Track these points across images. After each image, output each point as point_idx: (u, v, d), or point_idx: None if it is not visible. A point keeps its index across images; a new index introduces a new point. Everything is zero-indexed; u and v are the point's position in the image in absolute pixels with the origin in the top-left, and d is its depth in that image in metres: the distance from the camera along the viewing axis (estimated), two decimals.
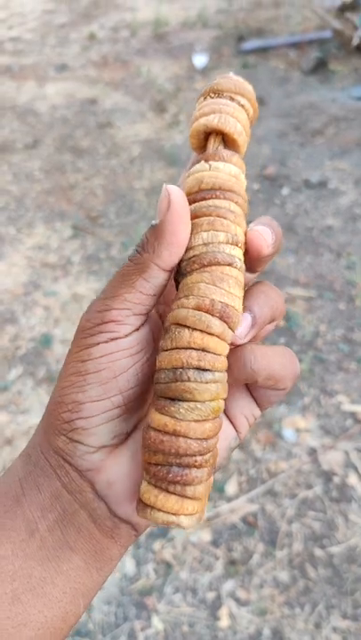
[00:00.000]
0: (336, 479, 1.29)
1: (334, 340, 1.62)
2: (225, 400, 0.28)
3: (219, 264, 0.28)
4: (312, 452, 1.35)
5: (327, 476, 1.30)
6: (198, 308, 0.27)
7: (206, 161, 0.30)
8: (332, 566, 1.15)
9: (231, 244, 0.28)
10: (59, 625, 0.29)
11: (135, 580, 1.15)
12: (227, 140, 0.31)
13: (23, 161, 2.63)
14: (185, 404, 0.27)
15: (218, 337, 0.27)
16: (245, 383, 0.32)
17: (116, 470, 0.29)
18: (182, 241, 0.28)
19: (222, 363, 0.27)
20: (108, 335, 0.28)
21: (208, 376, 0.27)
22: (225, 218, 0.29)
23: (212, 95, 0.31)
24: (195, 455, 0.27)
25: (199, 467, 0.27)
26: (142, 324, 0.29)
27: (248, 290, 0.30)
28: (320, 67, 3.20)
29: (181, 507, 0.27)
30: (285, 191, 2.27)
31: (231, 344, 0.28)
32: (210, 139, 0.31)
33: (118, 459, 0.30)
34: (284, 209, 2.18)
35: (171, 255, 0.28)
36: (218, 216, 0.29)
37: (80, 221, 2.19)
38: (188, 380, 0.27)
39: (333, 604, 1.10)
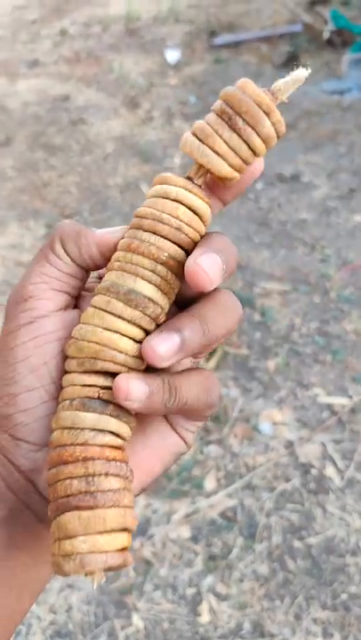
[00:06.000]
0: (313, 471, 1.30)
1: (310, 333, 1.63)
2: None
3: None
4: (289, 445, 1.36)
5: (305, 469, 1.31)
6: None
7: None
8: (311, 557, 1.16)
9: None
10: (4, 623, 0.29)
11: (115, 579, 1.15)
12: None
13: None
14: None
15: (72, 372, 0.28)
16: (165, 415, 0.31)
17: None
18: (105, 237, 0.29)
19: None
20: (29, 314, 0.28)
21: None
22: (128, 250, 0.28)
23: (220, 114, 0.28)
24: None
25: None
26: (68, 306, 0.29)
27: (183, 313, 0.27)
28: (292, 60, 3.20)
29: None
30: (259, 185, 2.27)
31: (149, 368, 0.27)
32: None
33: None
34: (258, 203, 2.18)
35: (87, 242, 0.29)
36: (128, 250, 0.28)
37: (54, 219, 2.17)
38: None
39: (313, 595, 1.11)
